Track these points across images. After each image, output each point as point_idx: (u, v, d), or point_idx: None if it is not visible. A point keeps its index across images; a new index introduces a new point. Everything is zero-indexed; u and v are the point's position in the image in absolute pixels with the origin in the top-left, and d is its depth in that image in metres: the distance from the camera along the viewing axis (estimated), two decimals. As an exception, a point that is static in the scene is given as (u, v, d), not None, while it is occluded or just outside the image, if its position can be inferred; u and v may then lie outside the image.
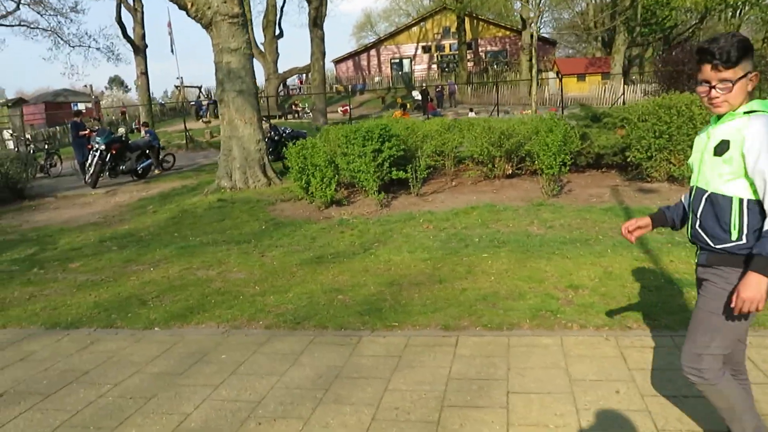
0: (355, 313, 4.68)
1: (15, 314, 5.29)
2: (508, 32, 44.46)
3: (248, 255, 6.88)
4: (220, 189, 11.13)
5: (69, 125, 17.27)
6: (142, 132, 16.90)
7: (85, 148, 14.78)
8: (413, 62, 45.86)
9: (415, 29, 46.10)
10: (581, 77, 36.20)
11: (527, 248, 6.21)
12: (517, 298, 4.74)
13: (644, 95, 22.83)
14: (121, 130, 15.27)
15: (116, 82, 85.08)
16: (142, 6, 27.35)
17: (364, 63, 47.19)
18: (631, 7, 32.26)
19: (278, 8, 32.87)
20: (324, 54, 27.35)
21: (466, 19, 40.46)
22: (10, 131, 26.33)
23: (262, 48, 32.42)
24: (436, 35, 45.19)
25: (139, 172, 14.57)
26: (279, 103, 35.79)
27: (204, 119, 33.22)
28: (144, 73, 27.58)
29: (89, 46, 32.62)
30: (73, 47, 32.19)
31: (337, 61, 48.06)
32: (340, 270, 5.93)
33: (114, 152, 13.64)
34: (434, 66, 45.42)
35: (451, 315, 4.47)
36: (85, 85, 42.59)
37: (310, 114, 33.29)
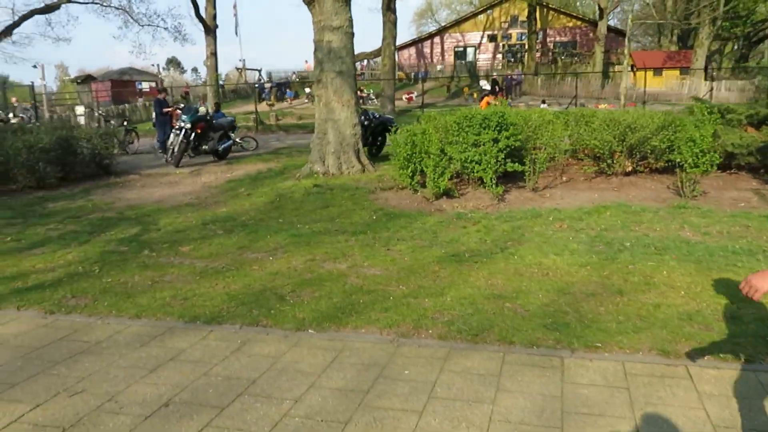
0: (539, 326, 4.04)
1: (145, 303, 4.85)
2: (579, 22, 42.73)
3: (372, 248, 6.32)
4: (312, 174, 10.63)
5: (153, 102, 17.15)
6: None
7: (167, 126, 14.56)
8: (478, 51, 44.55)
9: (481, 17, 44.71)
10: (658, 72, 34.48)
11: (697, 258, 5.46)
12: (731, 320, 4.02)
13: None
14: (203, 109, 14.95)
15: (173, 63, 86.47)
16: (215, -14, 27.17)
17: (427, 50, 46.14)
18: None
19: (347, -9, 32.20)
20: (395, 39, 26.64)
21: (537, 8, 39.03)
22: (83, 107, 26.64)
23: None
24: (503, 24, 43.74)
25: (220, 152, 14.25)
26: (342, 88, 35.22)
27: (268, 102, 33.07)
28: (213, 54, 27.40)
29: (158, 26, 32.86)
30: (143, 26, 32.48)
31: (399, 48, 47.14)
32: (488, 272, 5.30)
33: (198, 131, 13.32)
34: (499, 55, 44.05)
35: (662, 338, 3.78)
36: (152, 65, 43.09)
37: (375, 100, 32.65)
